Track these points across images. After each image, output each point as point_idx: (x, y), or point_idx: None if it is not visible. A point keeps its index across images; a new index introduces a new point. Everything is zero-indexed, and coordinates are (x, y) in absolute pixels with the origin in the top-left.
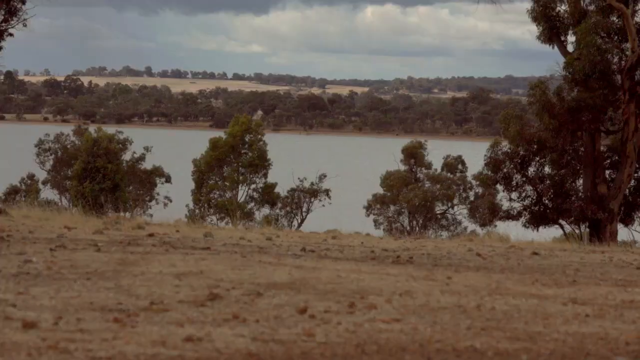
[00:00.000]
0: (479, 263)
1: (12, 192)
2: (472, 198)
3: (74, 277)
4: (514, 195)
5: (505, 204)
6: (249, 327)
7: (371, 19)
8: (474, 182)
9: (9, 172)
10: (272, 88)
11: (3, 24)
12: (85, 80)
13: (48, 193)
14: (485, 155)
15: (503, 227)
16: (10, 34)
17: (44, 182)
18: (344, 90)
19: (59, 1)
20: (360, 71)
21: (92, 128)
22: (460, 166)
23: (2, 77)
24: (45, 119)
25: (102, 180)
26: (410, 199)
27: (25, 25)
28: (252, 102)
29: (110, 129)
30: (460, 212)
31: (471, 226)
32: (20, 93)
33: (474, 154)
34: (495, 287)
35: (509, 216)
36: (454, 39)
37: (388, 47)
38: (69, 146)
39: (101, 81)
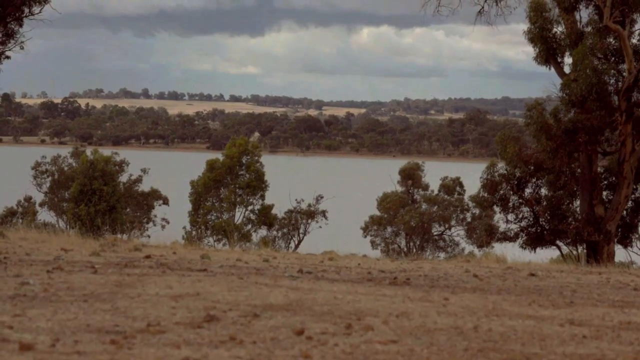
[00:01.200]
0: (475, 284)
1: (9, 214)
2: (469, 219)
3: (70, 299)
4: (510, 216)
5: (502, 226)
6: (245, 348)
7: (367, 40)
8: (470, 203)
9: (6, 194)
10: (268, 109)
11: (0, 47)
12: (82, 102)
13: (45, 215)
14: (481, 177)
15: (500, 248)
16: (7, 57)
17: (41, 204)
18: (341, 112)
19: (55, 24)
20: (357, 92)
21: (88, 150)
22: (457, 188)
23: None
24: (43, 141)
25: (98, 202)
26: (407, 221)
27: (22, 48)
28: (249, 124)
29: (106, 151)
30: (458, 233)
31: (468, 247)
32: (17, 115)
33: (471, 176)
34: (492, 308)
35: (506, 237)
36: (450, 60)
37: (384, 69)
38: (65, 168)
39: (98, 103)
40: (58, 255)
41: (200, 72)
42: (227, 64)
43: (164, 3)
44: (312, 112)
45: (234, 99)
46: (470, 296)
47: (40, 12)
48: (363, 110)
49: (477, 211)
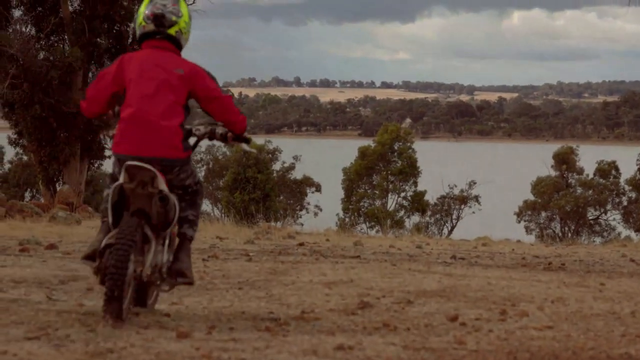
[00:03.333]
0: (632, 269)
1: None
2: (625, 203)
3: (226, 287)
4: None
5: None
6: (399, 335)
7: (518, 24)
8: (627, 187)
9: None
10: (420, 95)
11: None
12: (235, 91)
13: None
14: (638, 160)
15: None
16: None
17: None
18: (493, 97)
19: (209, 14)
20: (508, 77)
21: None
22: (613, 171)
23: None
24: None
25: (252, 190)
26: (562, 205)
27: None
28: (401, 110)
29: (259, 140)
30: (614, 217)
31: (625, 232)
32: None
33: (627, 159)
34: None
35: None
36: (603, 42)
37: (536, 52)
38: (220, 157)
39: (251, 92)
40: (213, 243)
41: (351, 59)
42: (378, 51)
43: None
44: (464, 98)
45: (385, 85)
46: (628, 281)
47: (193, 2)
48: (515, 95)
49: (633, 195)
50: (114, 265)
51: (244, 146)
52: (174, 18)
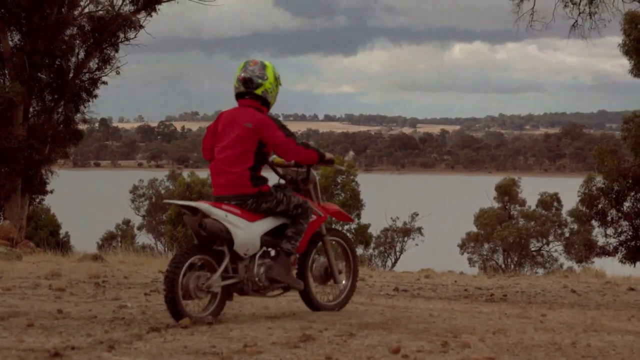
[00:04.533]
0: (573, 299)
1: (109, 238)
2: (567, 234)
3: (168, 322)
4: (609, 230)
5: (601, 240)
6: None
7: (459, 56)
8: (568, 218)
9: (105, 219)
10: (363, 128)
11: (97, 72)
12: (178, 125)
13: (143, 238)
14: (579, 191)
15: (599, 262)
16: (104, 82)
17: (139, 228)
18: (435, 129)
19: (151, 48)
20: (451, 109)
21: (185, 172)
22: (555, 203)
23: (97, 124)
24: (140, 165)
25: None
26: (505, 237)
27: (118, 73)
28: (344, 143)
29: (203, 173)
30: (556, 248)
31: (567, 263)
32: (114, 140)
33: (568, 190)
34: (590, 323)
35: (605, 252)
36: (544, 75)
37: (478, 85)
38: (163, 191)
39: (194, 126)
40: (156, 277)
41: (294, 92)
42: (322, 84)
43: (258, 25)
44: (407, 130)
45: (328, 118)
46: (568, 312)
47: (135, 37)
48: (457, 127)
49: (575, 226)
50: (165, 278)
51: (331, 166)
52: (259, 81)
